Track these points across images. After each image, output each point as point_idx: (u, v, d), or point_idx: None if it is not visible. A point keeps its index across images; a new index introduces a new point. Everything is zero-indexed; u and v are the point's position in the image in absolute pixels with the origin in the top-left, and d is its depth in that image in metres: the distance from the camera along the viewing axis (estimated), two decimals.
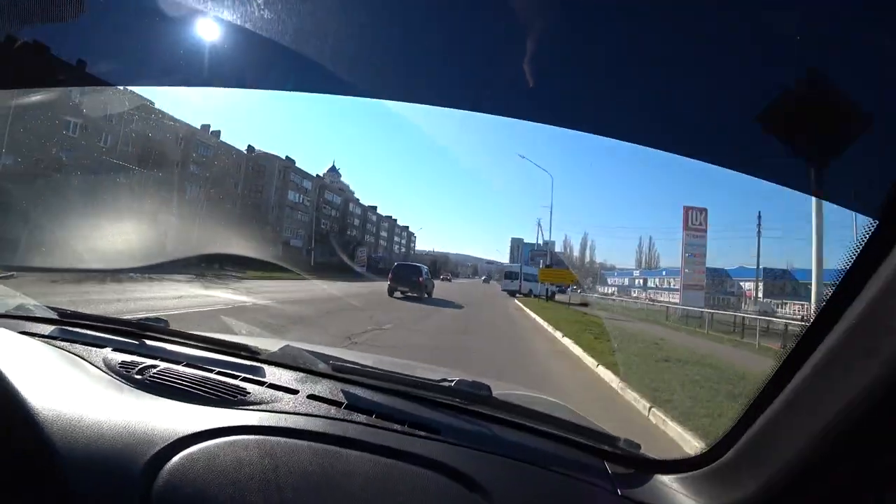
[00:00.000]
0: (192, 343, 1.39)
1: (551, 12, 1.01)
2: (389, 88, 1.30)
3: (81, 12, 1.18)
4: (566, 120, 1.18)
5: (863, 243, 0.67)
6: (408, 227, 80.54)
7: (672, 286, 58.24)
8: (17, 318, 1.48)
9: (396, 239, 77.67)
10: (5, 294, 2.02)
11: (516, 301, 26.15)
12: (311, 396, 1.12)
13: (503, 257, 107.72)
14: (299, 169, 50.10)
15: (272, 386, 1.16)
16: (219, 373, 1.20)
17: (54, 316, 1.50)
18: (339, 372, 1.23)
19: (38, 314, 1.52)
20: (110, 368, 1.18)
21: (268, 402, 1.08)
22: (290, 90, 1.35)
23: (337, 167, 64.66)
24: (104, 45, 1.32)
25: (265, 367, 1.28)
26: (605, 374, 7.12)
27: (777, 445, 0.77)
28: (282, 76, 1.33)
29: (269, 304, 11.74)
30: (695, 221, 31.92)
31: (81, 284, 10.75)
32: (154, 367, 1.19)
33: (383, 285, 19.92)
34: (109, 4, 1.28)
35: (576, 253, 69.42)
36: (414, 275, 20.14)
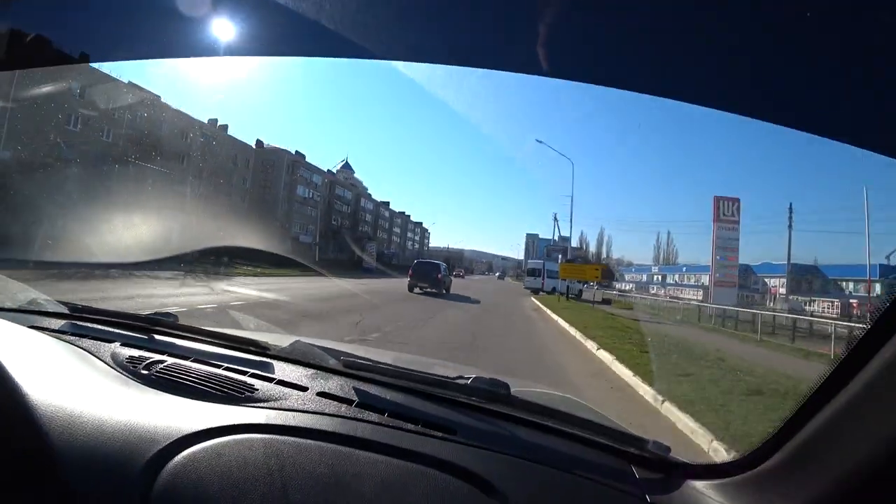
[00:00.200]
0: (201, 338, 1.34)
1: None
2: (400, 45, 1.15)
3: None
4: (596, 76, 1.02)
5: None
6: (421, 223, 78.59)
7: (693, 283, 55.92)
8: (28, 313, 1.46)
9: (410, 235, 75.57)
10: (17, 289, 1.78)
11: (534, 300, 23.65)
12: (321, 394, 1.06)
13: (518, 254, 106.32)
14: (309, 163, 48.22)
15: (281, 382, 1.10)
16: (227, 368, 1.15)
17: (65, 310, 1.47)
18: (351, 368, 1.18)
19: (49, 309, 1.49)
20: (118, 363, 1.15)
21: (276, 400, 1.03)
22: (293, 55, 1.23)
23: (350, 163, 63.14)
24: (106, 18, 1.23)
25: (274, 363, 1.22)
26: (681, 419, 4.59)
27: (832, 453, 0.71)
28: (287, 39, 1.19)
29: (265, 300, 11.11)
30: (726, 212, 29.00)
31: (87, 281, 10.49)
32: (161, 362, 1.15)
33: (391, 283, 19.55)
34: None
35: (592, 248, 66.82)
36: (433, 272, 20.75)
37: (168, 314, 1.49)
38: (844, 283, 38.33)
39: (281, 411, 0.98)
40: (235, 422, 0.90)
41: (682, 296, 46.80)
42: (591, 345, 9.22)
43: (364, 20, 1.07)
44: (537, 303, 21.20)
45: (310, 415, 0.97)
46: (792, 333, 15.98)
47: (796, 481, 0.75)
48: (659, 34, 0.88)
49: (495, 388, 1.10)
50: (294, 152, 47.37)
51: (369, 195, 62.54)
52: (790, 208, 36.20)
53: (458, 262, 58.51)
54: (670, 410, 4.84)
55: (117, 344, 1.26)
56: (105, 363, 1.15)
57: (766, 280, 47.67)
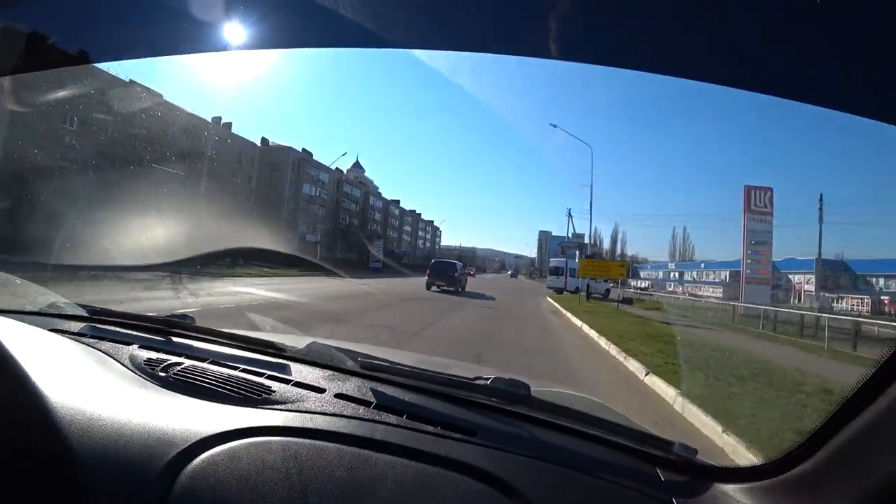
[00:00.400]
0: (218, 340, 1.33)
1: None
2: (415, 32, 1.06)
3: None
4: (621, 58, 0.93)
5: None
6: (432, 222, 76.21)
7: (712, 279, 53.18)
8: (47, 316, 1.45)
9: (421, 234, 73.25)
10: (37, 292, 1.73)
11: (550, 301, 21.15)
12: (338, 395, 1.04)
13: (531, 252, 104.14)
14: (316, 161, 46.23)
15: (298, 384, 1.09)
16: (243, 370, 1.14)
17: (83, 313, 1.46)
18: (368, 370, 1.15)
19: (69, 311, 1.48)
20: (135, 365, 1.14)
21: (293, 402, 1.01)
22: (307, 46, 1.16)
23: (360, 162, 61.21)
24: (106, 16, 1.16)
25: (291, 364, 1.21)
26: None
27: (868, 461, 0.69)
28: (301, 28, 1.10)
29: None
30: (758, 203, 26.09)
31: (103, 283, 10.47)
32: (178, 364, 1.14)
33: (401, 283, 18.84)
34: None
35: (606, 245, 64.03)
36: (450, 270, 21.38)
37: (185, 316, 1.46)
38: (874, 279, 35.75)
39: (298, 413, 0.95)
40: (253, 424, 0.88)
41: (701, 293, 44.47)
42: (634, 365, 6.75)
43: (385, 5, 0.99)
44: (555, 304, 18.65)
45: (327, 417, 0.94)
46: (853, 339, 13.56)
47: (829, 488, 0.72)
48: (684, 10, 0.81)
49: (515, 389, 1.07)
50: (301, 150, 45.41)
51: (379, 193, 60.51)
52: (820, 199, 33.16)
53: (471, 260, 56.30)
54: None
55: (135, 346, 1.24)
56: (123, 365, 1.13)
57: (789, 276, 45.18)
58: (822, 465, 0.75)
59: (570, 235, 60.07)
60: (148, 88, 27.37)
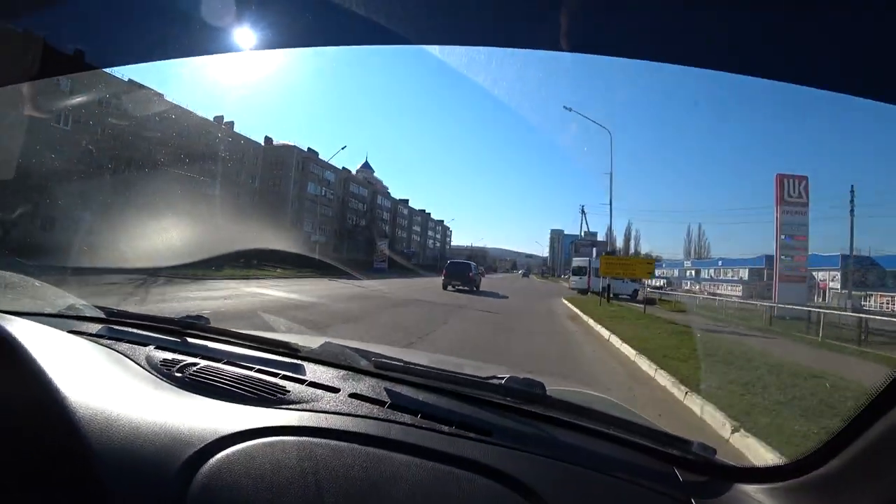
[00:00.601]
0: (233, 340, 1.33)
1: None
2: (427, 28, 1.03)
3: None
4: (635, 49, 0.93)
5: None
6: (442, 221, 74.07)
7: (730, 277, 50.47)
8: (67, 318, 1.44)
9: (430, 233, 71.11)
10: (56, 294, 1.76)
11: (565, 303, 18.76)
12: (352, 395, 1.03)
13: (543, 251, 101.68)
14: (321, 160, 44.32)
15: (313, 384, 1.07)
16: (258, 370, 1.13)
17: (101, 315, 1.47)
18: (382, 369, 1.14)
19: (87, 313, 1.49)
20: (152, 366, 1.13)
21: (308, 401, 1.00)
22: (313, 45, 1.14)
23: (370, 163, 59.45)
24: (110, 21, 1.16)
25: (305, 364, 1.20)
26: None
27: (893, 462, 0.67)
28: (308, 27, 1.07)
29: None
30: (792, 193, 23.30)
31: (122, 286, 10.22)
32: (194, 364, 1.13)
33: (407, 283, 18.70)
34: None
35: (619, 243, 61.08)
36: (465, 270, 21.98)
37: (200, 317, 1.46)
38: None
39: (313, 413, 0.94)
40: (268, 424, 0.88)
41: (720, 292, 41.96)
42: (710, 414, 4.40)
43: (393, 1, 0.96)
44: (572, 308, 16.29)
45: (342, 416, 0.94)
46: None
47: (851, 490, 0.70)
48: None
49: (530, 388, 1.04)
50: (306, 149, 43.63)
51: (387, 192, 58.56)
52: (852, 191, 30.20)
53: (481, 260, 54.02)
54: None
55: (152, 347, 1.25)
56: (140, 366, 1.13)
57: (813, 273, 42.56)
58: (844, 467, 0.73)
59: (583, 233, 57.75)
60: (148, 88, 26.19)
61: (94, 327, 1.37)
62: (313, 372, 1.14)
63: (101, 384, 1.01)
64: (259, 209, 36.90)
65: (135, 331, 1.37)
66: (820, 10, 0.68)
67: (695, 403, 4.65)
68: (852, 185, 30.26)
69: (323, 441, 0.84)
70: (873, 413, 0.70)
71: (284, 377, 1.09)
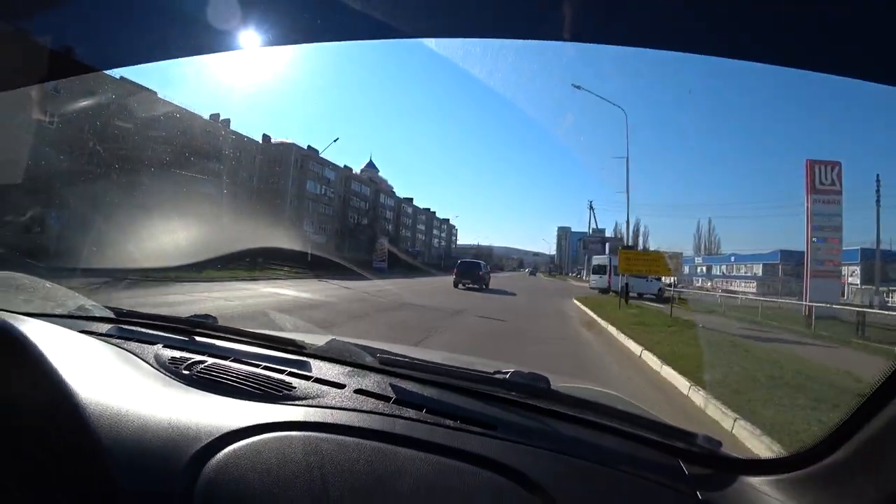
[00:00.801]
0: (240, 339, 1.32)
1: None
2: (428, 19, 0.99)
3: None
4: (638, 36, 0.90)
5: None
6: (448, 220, 71.88)
7: (744, 273, 48.03)
8: (77, 318, 1.44)
9: (436, 232, 68.97)
10: (66, 295, 1.72)
11: (577, 304, 16.54)
12: (358, 391, 1.02)
13: (550, 249, 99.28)
14: (322, 158, 42.40)
15: (318, 380, 1.07)
16: (265, 367, 1.13)
17: (111, 315, 1.47)
18: (388, 365, 1.13)
19: (97, 314, 1.48)
20: (160, 364, 1.13)
21: (314, 397, 0.99)
22: (310, 42, 1.09)
23: (374, 162, 57.58)
24: (110, 23, 1.13)
25: (311, 361, 1.19)
26: None
27: None
28: (305, 24, 1.05)
29: None
30: (824, 180, 20.81)
31: (129, 287, 10.32)
32: (202, 362, 1.13)
33: (408, 284, 18.14)
34: None
35: (625, 241, 58.57)
36: (475, 269, 22.36)
37: (207, 316, 1.46)
38: None
39: (319, 409, 0.94)
40: (274, 419, 0.88)
41: (733, 289, 39.76)
42: None
43: None
44: (586, 310, 14.08)
45: (348, 412, 0.93)
46: None
47: (857, 480, 0.69)
48: None
49: (535, 383, 1.04)
50: (306, 147, 41.67)
51: (392, 191, 56.55)
52: (878, 181, 27.43)
53: (487, 259, 52.00)
54: None
55: (160, 346, 1.24)
56: (149, 364, 1.13)
57: None
58: (848, 458, 0.72)
59: (591, 230, 55.36)
60: (140, 86, 24.52)
61: (105, 327, 1.36)
62: (319, 368, 1.13)
63: (111, 382, 1.01)
64: (259, 208, 35.19)
65: (144, 330, 1.36)
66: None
67: None
68: (878, 175, 27.57)
69: (328, 436, 0.83)
70: (876, 403, 0.68)
71: (290, 374, 1.08)
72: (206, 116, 32.96)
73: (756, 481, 0.81)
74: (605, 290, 23.25)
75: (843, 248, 29.83)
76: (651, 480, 0.79)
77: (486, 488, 0.74)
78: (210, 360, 1.13)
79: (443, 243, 70.75)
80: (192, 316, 1.43)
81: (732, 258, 50.65)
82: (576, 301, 17.68)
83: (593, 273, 27.71)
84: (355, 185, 48.46)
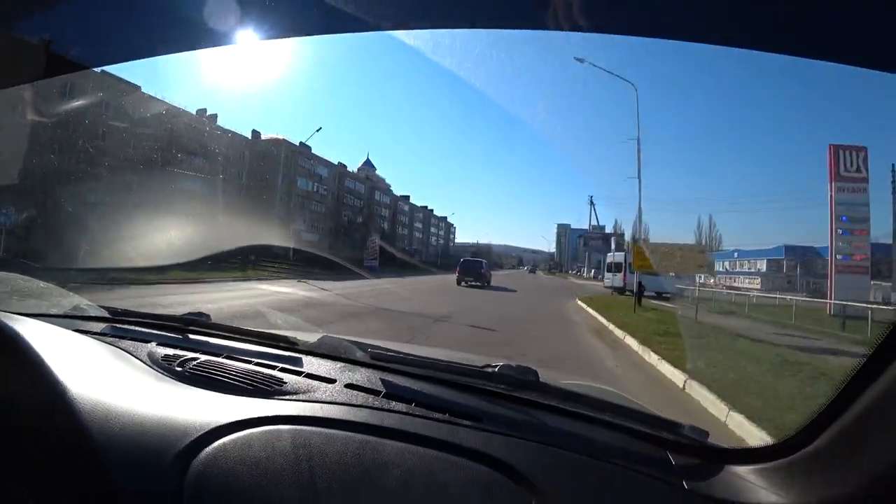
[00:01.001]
0: (233, 336, 1.32)
1: None
2: (399, 8, 0.98)
3: None
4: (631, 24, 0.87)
5: None
6: (445, 218, 69.63)
7: (747, 269, 46.24)
8: (72, 318, 1.43)
9: (434, 230, 66.72)
10: (61, 295, 1.79)
11: (582, 305, 14.37)
12: (348, 385, 1.02)
13: (549, 246, 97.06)
14: (314, 154, 40.39)
15: (309, 376, 1.07)
16: (257, 364, 1.12)
17: (105, 314, 1.46)
18: (378, 360, 1.13)
19: (92, 313, 1.48)
20: (154, 362, 1.13)
21: (304, 392, 0.99)
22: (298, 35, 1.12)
23: (371, 160, 55.52)
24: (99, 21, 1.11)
25: (303, 357, 1.18)
26: None
27: (881, 435, 0.65)
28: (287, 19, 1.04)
29: None
30: (849, 167, 18.63)
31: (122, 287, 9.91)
32: (195, 359, 1.13)
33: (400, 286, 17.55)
34: None
35: (627, 237, 56.41)
36: (477, 267, 22.87)
37: (201, 314, 1.45)
38: None
39: (309, 403, 0.94)
40: (265, 414, 0.87)
41: (737, 285, 37.83)
42: None
43: None
44: (592, 313, 11.95)
45: (337, 406, 0.93)
46: None
47: (842, 464, 0.69)
48: None
49: (523, 376, 1.03)
50: (298, 143, 39.57)
51: (389, 188, 54.41)
52: (893, 170, 25.09)
53: (486, 257, 49.83)
54: None
55: (154, 344, 1.23)
56: (142, 362, 1.13)
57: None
58: (831, 444, 0.71)
59: (590, 227, 53.21)
60: (122, 80, 22.48)
61: (99, 326, 1.36)
62: (311, 364, 1.13)
63: (104, 379, 1.00)
64: (247, 205, 33.31)
65: (138, 329, 1.36)
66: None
67: None
68: (893, 164, 25.32)
69: (318, 429, 0.83)
70: (856, 388, 0.68)
71: (282, 370, 1.08)
72: (193, 112, 31.29)
73: (742, 470, 0.81)
74: (620, 290, 21.03)
75: None
76: (638, 471, 0.79)
77: (474, 480, 0.74)
78: (203, 357, 1.12)
79: (441, 241, 68.50)
80: (185, 314, 1.42)
81: (735, 254, 48.64)
82: (579, 302, 15.52)
83: (608, 271, 25.44)
84: (349, 182, 46.33)
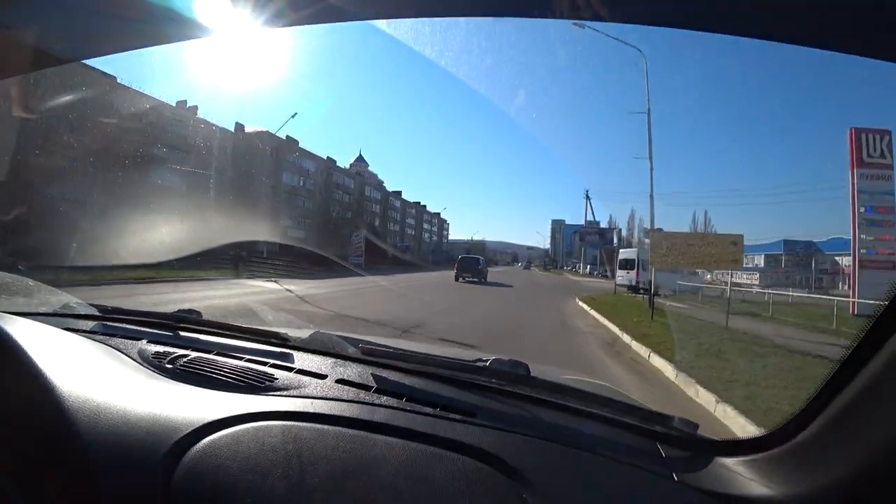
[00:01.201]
0: (224, 332, 1.30)
1: None
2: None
3: None
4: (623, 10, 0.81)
5: None
6: (439, 214, 67.71)
7: (745, 265, 44.74)
8: (62, 316, 1.41)
9: (427, 227, 64.69)
10: (51, 293, 1.69)
11: (582, 307, 12.32)
12: (339, 381, 1.01)
13: (544, 242, 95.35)
14: (302, 148, 38.43)
15: (301, 371, 1.05)
16: (248, 360, 1.11)
17: (95, 312, 1.43)
18: (370, 356, 1.12)
19: (81, 311, 1.45)
20: (144, 359, 1.12)
21: (295, 388, 0.98)
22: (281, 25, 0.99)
23: (363, 156, 53.48)
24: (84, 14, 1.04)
25: (295, 353, 1.17)
26: None
27: (868, 424, 0.64)
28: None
29: None
30: (872, 152, 16.71)
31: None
32: (185, 356, 1.11)
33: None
34: None
35: (623, 233, 54.55)
36: (475, 264, 24.32)
37: (191, 311, 1.43)
38: None
39: (300, 398, 0.93)
40: (255, 410, 0.86)
41: (735, 280, 36.27)
42: None
43: None
44: (597, 316, 9.94)
45: (328, 401, 0.91)
46: None
47: (829, 454, 0.68)
48: None
49: (514, 370, 1.03)
50: (285, 137, 37.43)
51: (381, 184, 52.33)
52: None
53: (480, 253, 48.04)
54: None
55: (144, 341, 1.21)
56: (132, 359, 1.11)
57: (836, 259, 37.25)
58: (818, 435, 0.71)
59: (586, 222, 51.40)
60: (97, 70, 20.79)
61: (89, 324, 1.34)
62: (302, 360, 1.12)
63: (94, 377, 0.99)
64: (232, 201, 31.29)
65: (128, 326, 1.34)
66: None
67: None
68: None
69: (308, 425, 0.82)
70: (843, 378, 0.68)
71: (273, 365, 1.07)
72: (173, 104, 29.31)
73: (731, 462, 0.81)
74: (634, 289, 18.95)
75: (848, 238, 25.66)
76: (629, 464, 0.79)
77: (465, 474, 0.73)
78: (194, 354, 1.11)
79: (434, 238, 66.53)
80: (176, 311, 1.41)
81: None
82: (581, 303, 13.51)
83: (620, 269, 23.40)
84: (338, 177, 44.27)
